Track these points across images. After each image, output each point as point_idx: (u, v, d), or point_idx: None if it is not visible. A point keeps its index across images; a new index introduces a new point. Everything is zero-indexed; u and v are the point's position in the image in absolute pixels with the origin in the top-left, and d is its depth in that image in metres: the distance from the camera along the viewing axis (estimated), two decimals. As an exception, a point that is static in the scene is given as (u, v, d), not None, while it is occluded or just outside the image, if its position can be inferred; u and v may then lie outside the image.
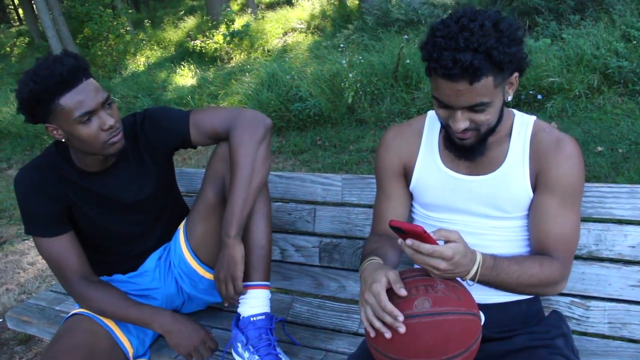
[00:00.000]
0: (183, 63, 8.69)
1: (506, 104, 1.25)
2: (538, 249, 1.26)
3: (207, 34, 9.72)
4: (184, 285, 1.71)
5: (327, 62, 5.99)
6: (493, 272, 1.14)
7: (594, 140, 3.89)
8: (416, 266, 1.25)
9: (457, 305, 1.06)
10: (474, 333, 1.07)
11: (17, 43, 14.53)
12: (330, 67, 5.71)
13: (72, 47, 10.10)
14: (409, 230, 1.05)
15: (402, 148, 1.39)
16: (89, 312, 1.59)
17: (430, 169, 1.35)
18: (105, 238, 1.65)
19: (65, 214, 1.55)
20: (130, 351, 1.58)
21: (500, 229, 1.30)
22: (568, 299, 1.44)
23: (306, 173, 1.83)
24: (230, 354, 1.55)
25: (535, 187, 1.26)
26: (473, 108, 1.12)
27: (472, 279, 1.11)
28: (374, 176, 1.51)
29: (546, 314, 1.37)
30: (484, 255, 1.13)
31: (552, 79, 4.60)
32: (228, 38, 8.97)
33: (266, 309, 1.53)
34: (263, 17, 10.09)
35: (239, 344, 1.49)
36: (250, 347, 1.46)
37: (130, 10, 14.87)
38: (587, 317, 1.42)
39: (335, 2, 9.63)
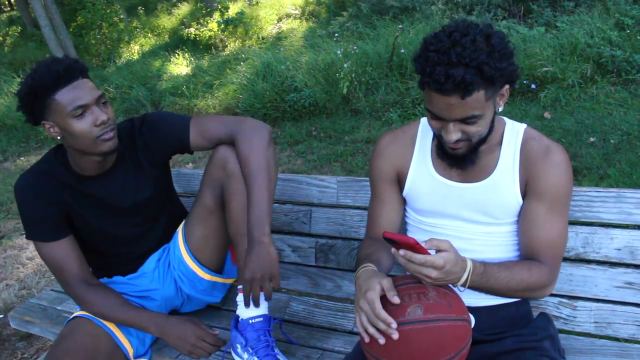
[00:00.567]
0: (177, 51, 8.63)
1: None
2: (527, 254, 1.30)
3: (202, 21, 9.63)
4: (183, 286, 1.75)
5: (322, 52, 5.97)
6: (483, 279, 1.18)
7: (587, 130, 3.92)
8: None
9: (448, 312, 1.10)
10: (464, 338, 1.12)
11: (10, 32, 14.35)
12: (325, 57, 5.69)
13: (65, 36, 9.96)
14: (401, 242, 1.09)
15: (396, 155, 1.42)
16: (89, 314, 1.62)
17: (423, 176, 1.38)
18: (104, 241, 1.68)
19: (65, 219, 1.59)
20: (130, 351, 1.62)
21: (490, 234, 1.34)
22: (556, 300, 1.49)
23: (302, 175, 1.87)
24: (230, 354, 1.59)
25: (524, 194, 1.29)
26: (465, 120, 1.15)
27: (463, 285, 1.16)
28: (368, 178, 1.54)
29: (535, 314, 1.42)
30: (474, 262, 1.17)
31: (546, 69, 4.61)
32: (222, 26, 8.90)
33: (264, 310, 1.57)
34: (257, 2, 9.99)
35: (238, 345, 1.54)
36: (250, 349, 1.51)
37: (124, -3, 14.68)
38: (574, 317, 1.47)
39: (330, -12, 9.52)
